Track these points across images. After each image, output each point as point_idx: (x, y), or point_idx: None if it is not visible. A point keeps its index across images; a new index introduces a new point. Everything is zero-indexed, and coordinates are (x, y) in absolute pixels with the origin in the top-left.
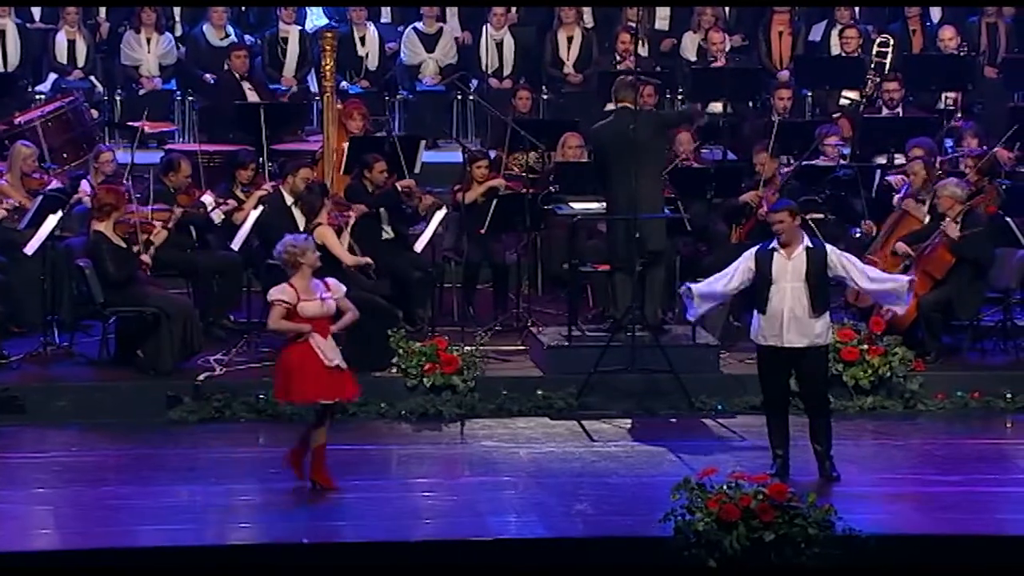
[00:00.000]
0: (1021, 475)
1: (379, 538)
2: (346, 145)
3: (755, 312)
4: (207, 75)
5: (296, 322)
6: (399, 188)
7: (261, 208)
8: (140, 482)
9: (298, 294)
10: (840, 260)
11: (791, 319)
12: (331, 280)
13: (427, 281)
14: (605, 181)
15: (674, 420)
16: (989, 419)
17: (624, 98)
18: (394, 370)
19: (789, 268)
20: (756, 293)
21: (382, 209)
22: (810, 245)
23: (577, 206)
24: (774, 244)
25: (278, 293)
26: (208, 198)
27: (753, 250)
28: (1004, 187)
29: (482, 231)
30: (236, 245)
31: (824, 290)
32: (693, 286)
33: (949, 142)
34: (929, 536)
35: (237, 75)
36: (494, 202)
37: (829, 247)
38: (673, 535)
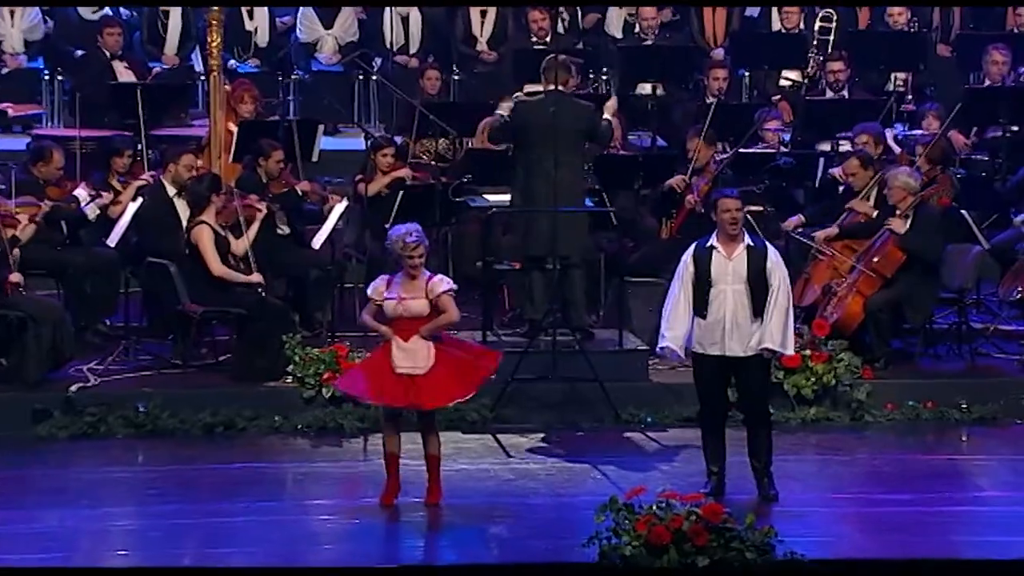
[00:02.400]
0: (978, 493)
1: (272, 564)
2: (235, 129)
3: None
4: (77, 52)
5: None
6: (299, 192)
7: (140, 200)
8: (3, 505)
9: (387, 290)
10: (776, 267)
11: (733, 326)
12: (436, 277)
13: (326, 281)
14: (518, 165)
15: (593, 433)
16: (943, 431)
17: (555, 79)
18: (289, 379)
19: (730, 269)
20: (693, 296)
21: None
22: (751, 244)
23: (492, 198)
24: (712, 241)
25: (370, 288)
26: (82, 191)
27: (690, 249)
28: (959, 176)
29: (387, 226)
30: (112, 241)
31: (765, 293)
32: (670, 344)
33: (899, 127)
34: (877, 561)
35: (108, 53)
36: (400, 194)
37: (771, 247)
38: (598, 560)
